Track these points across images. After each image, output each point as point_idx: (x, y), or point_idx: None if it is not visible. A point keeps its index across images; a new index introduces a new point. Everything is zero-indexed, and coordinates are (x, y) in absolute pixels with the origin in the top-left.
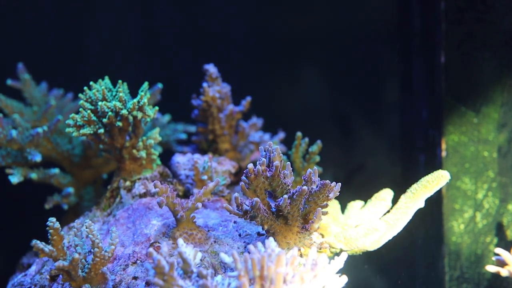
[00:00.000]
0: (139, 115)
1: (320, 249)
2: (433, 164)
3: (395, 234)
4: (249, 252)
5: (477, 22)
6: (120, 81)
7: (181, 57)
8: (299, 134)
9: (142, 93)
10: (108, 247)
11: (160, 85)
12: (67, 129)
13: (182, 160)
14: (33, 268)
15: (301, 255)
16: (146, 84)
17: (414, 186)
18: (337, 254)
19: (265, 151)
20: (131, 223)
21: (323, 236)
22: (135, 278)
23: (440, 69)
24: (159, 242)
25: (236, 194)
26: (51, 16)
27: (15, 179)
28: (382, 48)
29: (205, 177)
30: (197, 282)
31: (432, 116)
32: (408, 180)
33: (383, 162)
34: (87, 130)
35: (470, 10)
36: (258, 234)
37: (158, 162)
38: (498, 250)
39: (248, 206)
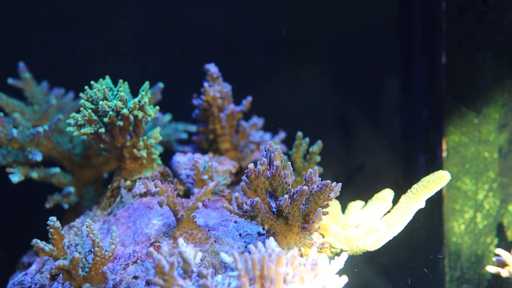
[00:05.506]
0: (140, 114)
1: (321, 249)
2: (434, 164)
3: (395, 234)
4: (249, 252)
5: (477, 22)
6: (121, 81)
7: (182, 57)
8: (299, 134)
9: (143, 93)
10: (109, 246)
11: (161, 85)
12: (68, 128)
13: (183, 160)
14: (34, 267)
15: (301, 255)
16: (147, 84)
17: (415, 186)
18: (338, 254)
19: (265, 151)
20: (132, 223)
21: (323, 236)
22: (135, 277)
23: (441, 69)
24: (159, 242)
25: (236, 194)
26: (52, 15)
27: (15, 178)
28: (383, 48)
29: (205, 176)
30: (197, 282)
31: (432, 116)
32: (409, 180)
33: (384, 162)
34: (88, 129)
35: (471, 10)
36: (259, 234)
37: (159, 161)
38: (499, 250)
39: (248, 206)
